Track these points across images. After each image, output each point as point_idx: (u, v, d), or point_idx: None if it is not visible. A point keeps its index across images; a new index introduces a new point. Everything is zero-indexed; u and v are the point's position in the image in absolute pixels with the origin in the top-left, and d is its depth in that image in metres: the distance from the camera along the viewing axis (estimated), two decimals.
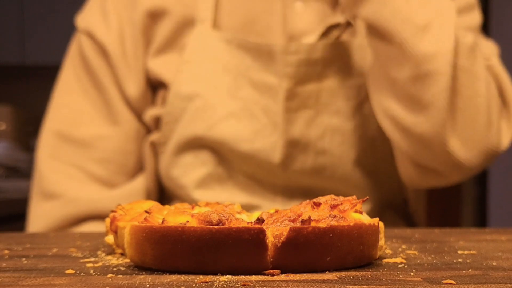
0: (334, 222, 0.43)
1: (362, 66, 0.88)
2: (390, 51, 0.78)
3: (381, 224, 0.49)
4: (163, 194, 0.95)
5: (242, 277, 0.41)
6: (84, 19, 0.95)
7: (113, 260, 0.49)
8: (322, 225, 0.43)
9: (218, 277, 0.41)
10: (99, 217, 0.88)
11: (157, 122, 0.91)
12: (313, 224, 0.43)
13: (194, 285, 0.38)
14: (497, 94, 0.83)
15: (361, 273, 0.42)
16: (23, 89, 2.89)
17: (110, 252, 0.54)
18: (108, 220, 0.54)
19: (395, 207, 0.95)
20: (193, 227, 0.41)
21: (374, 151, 0.90)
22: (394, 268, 0.45)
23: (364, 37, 0.86)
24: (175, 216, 0.45)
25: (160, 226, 0.43)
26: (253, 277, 0.41)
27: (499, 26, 2.55)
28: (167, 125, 0.89)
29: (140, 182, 0.92)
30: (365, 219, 0.46)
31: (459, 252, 0.53)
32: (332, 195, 0.48)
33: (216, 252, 0.41)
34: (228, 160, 0.88)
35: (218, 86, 0.87)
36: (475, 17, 0.90)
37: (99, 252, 0.55)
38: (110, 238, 0.53)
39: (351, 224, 0.44)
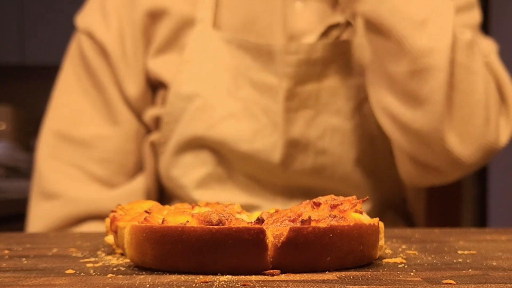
0: (334, 222, 0.43)
1: (362, 66, 0.88)
2: (388, 47, 0.78)
3: (381, 224, 0.49)
4: (163, 194, 0.95)
5: (242, 277, 0.41)
6: (84, 19, 0.95)
7: (113, 260, 0.49)
8: (322, 225, 0.43)
9: (218, 277, 0.41)
10: (99, 217, 0.88)
11: (157, 122, 0.91)
12: (313, 224, 0.43)
13: (194, 285, 0.38)
14: (495, 90, 0.83)
15: (361, 273, 0.42)
16: (23, 89, 2.89)
17: (110, 252, 0.54)
18: (108, 220, 0.54)
19: (395, 207, 0.95)
20: (193, 227, 0.41)
21: (374, 150, 0.90)
22: (394, 268, 0.45)
23: (363, 36, 0.86)
24: (175, 216, 0.45)
25: (160, 226, 0.43)
26: (253, 277, 0.41)
27: (499, 26, 2.55)
28: (167, 125, 0.89)
29: (140, 182, 0.92)
30: (365, 219, 0.46)
31: (459, 252, 0.53)
32: (332, 195, 0.48)
33: (216, 252, 0.41)
34: (228, 160, 0.88)
35: (218, 86, 0.87)
36: (475, 16, 0.90)
37: (99, 252, 0.55)
38: (110, 238, 0.53)
39: (351, 224, 0.44)
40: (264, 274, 0.41)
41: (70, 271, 0.44)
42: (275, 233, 0.42)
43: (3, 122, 2.60)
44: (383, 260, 0.48)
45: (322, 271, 0.43)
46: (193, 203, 0.55)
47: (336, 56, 0.87)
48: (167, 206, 0.51)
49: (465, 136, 0.79)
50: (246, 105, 0.87)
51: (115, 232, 0.52)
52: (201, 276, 0.41)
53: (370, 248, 0.46)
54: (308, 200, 0.47)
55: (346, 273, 0.43)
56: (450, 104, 0.77)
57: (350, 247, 0.44)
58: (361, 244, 0.44)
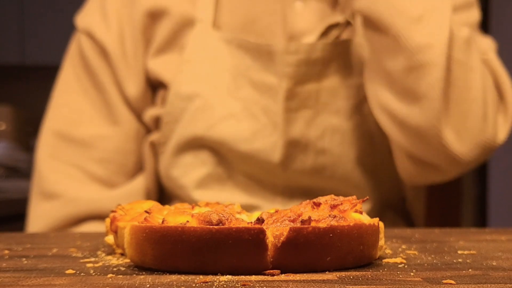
0: (334, 222, 0.43)
1: (362, 66, 0.88)
2: (384, 43, 0.78)
3: (381, 224, 0.49)
4: (163, 194, 0.95)
5: (242, 277, 0.41)
6: (84, 19, 0.95)
7: (113, 260, 0.49)
8: (322, 225, 0.43)
9: (218, 277, 0.41)
10: (99, 217, 0.88)
11: (157, 122, 0.91)
12: (313, 224, 0.43)
13: (194, 285, 0.38)
14: (493, 87, 0.83)
15: (361, 273, 0.42)
16: (23, 89, 2.89)
17: (110, 252, 0.54)
18: (108, 220, 0.54)
19: (395, 207, 0.95)
20: (193, 227, 0.41)
21: (374, 150, 0.90)
22: (394, 268, 0.45)
23: (363, 36, 0.86)
24: (175, 216, 0.45)
25: (160, 226, 0.43)
26: (253, 277, 0.41)
27: (499, 25, 2.55)
28: (167, 125, 0.89)
29: (140, 182, 0.92)
30: (365, 219, 0.46)
31: (459, 252, 0.53)
32: (332, 195, 0.48)
33: (216, 252, 0.41)
34: (228, 160, 0.88)
35: (218, 86, 0.87)
36: (474, 15, 0.90)
37: (99, 252, 0.55)
38: (110, 238, 0.53)
39: (351, 224, 0.44)
40: (264, 274, 0.41)
41: (70, 271, 0.44)
42: (275, 233, 0.42)
43: (3, 122, 2.60)
44: (383, 260, 0.48)
45: (322, 271, 0.43)
46: (193, 203, 0.55)
47: (336, 56, 0.87)
48: (167, 206, 0.51)
49: (462, 132, 0.79)
50: (246, 105, 0.87)
51: (115, 232, 0.52)
52: (201, 276, 0.41)
53: (370, 248, 0.46)
54: (308, 200, 0.47)
55: (346, 273, 0.43)
56: (447, 100, 0.77)
57: (350, 247, 0.44)
58: (361, 244, 0.44)
